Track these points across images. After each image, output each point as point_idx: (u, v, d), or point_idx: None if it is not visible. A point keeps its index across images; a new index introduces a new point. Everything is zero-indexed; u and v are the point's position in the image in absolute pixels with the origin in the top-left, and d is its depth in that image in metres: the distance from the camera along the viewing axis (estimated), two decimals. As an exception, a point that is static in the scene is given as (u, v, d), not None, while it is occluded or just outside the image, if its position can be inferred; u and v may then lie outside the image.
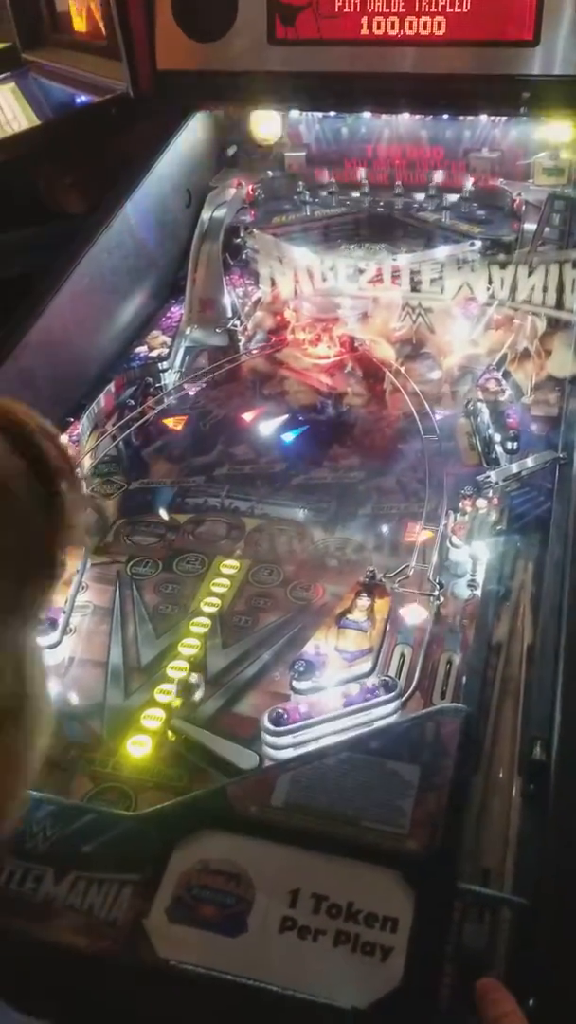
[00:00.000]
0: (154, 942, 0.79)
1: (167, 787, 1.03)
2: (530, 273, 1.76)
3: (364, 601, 1.20)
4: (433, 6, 1.88)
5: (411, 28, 1.90)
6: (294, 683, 1.09)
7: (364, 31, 1.93)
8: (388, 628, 1.18)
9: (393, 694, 1.06)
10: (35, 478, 0.53)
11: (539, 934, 0.79)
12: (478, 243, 1.86)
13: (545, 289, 1.75)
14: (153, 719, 1.11)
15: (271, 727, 1.01)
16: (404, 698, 1.07)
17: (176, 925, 0.80)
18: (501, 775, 1.00)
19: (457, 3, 1.86)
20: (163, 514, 1.49)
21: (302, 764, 0.91)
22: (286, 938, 0.78)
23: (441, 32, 1.89)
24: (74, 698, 1.17)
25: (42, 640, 1.19)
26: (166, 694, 1.14)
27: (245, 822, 0.86)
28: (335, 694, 1.07)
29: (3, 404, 0.56)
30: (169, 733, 1.09)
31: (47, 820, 0.88)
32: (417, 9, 1.88)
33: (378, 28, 1.92)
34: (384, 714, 1.04)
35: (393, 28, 1.91)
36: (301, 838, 0.85)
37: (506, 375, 1.69)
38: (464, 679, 1.11)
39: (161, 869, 0.83)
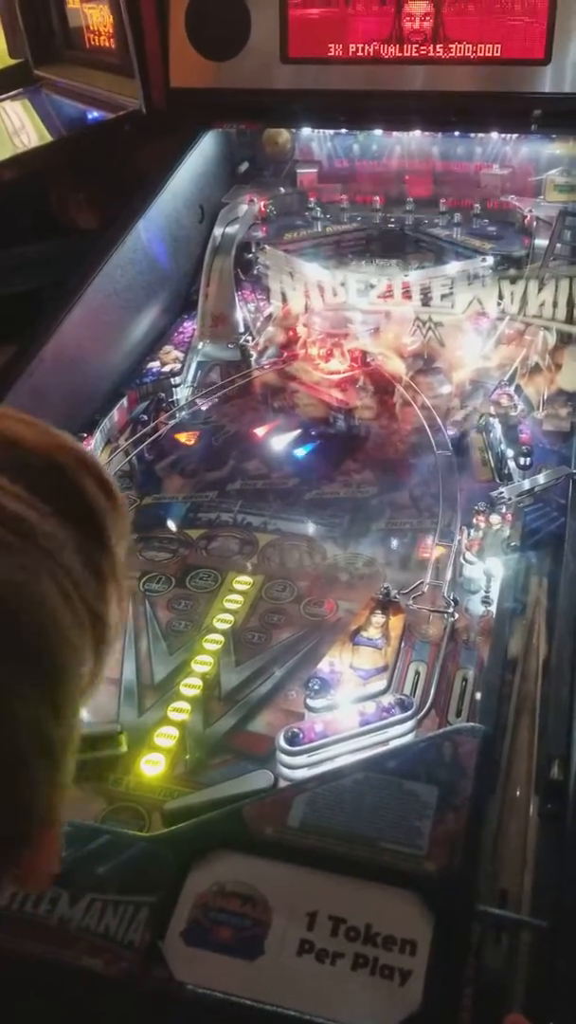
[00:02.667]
0: (171, 965, 0.78)
1: (182, 806, 1.02)
2: (541, 288, 1.76)
3: (379, 618, 1.20)
4: (445, 26, 1.89)
5: (424, 47, 1.91)
6: (309, 701, 1.09)
7: (376, 50, 1.94)
8: (403, 645, 1.18)
9: (409, 712, 1.05)
10: (84, 542, 0.48)
11: (559, 957, 0.79)
12: (490, 259, 1.86)
13: (556, 304, 1.76)
14: (167, 737, 1.11)
15: (287, 747, 1.01)
16: (420, 716, 1.07)
17: (192, 948, 0.79)
18: (518, 793, 0.99)
19: (469, 23, 1.87)
20: (171, 526, 1.49)
21: (318, 785, 0.91)
22: (304, 961, 0.78)
23: (453, 51, 1.90)
24: (87, 716, 1.16)
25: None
26: (180, 712, 1.14)
27: (261, 843, 0.86)
28: (350, 712, 1.06)
29: (29, 436, 0.49)
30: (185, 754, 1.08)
31: (62, 841, 0.87)
32: (430, 29, 1.90)
33: (390, 48, 1.93)
34: (400, 733, 1.04)
35: (405, 48, 1.93)
36: (318, 860, 0.84)
37: (518, 390, 1.69)
38: (480, 697, 1.10)
39: (177, 891, 0.83)
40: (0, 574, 0.43)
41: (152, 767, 1.07)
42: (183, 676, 1.20)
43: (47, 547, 0.45)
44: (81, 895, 0.83)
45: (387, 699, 1.07)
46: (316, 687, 1.10)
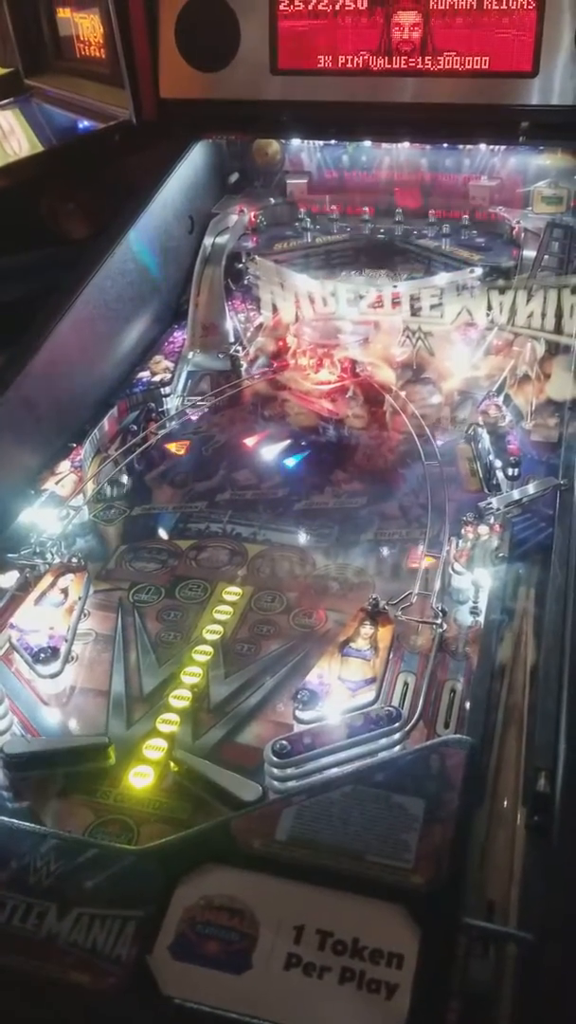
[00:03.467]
0: (158, 980, 0.78)
1: (170, 819, 1.02)
2: (529, 299, 1.77)
3: (367, 629, 1.20)
4: (434, 38, 1.90)
5: (412, 59, 1.93)
6: (298, 713, 1.09)
7: (365, 62, 1.96)
8: (392, 656, 1.18)
9: (397, 724, 1.05)
10: None
11: (545, 970, 0.79)
12: (478, 270, 1.87)
13: (544, 314, 1.77)
14: (155, 749, 1.11)
15: (275, 759, 1.01)
16: (408, 728, 1.07)
17: (180, 962, 0.79)
18: (505, 805, 1.00)
19: (458, 35, 1.89)
20: (162, 534, 1.49)
21: (306, 798, 0.91)
22: (291, 975, 0.78)
23: (441, 63, 1.91)
24: (76, 728, 1.16)
25: (44, 669, 1.19)
26: (169, 724, 1.14)
27: (249, 857, 0.86)
28: (339, 724, 1.06)
29: None
30: (172, 764, 1.08)
31: (51, 854, 0.87)
32: (418, 41, 1.91)
33: (379, 59, 1.95)
34: (388, 744, 1.04)
35: (394, 60, 1.94)
36: (305, 873, 0.84)
37: (506, 400, 1.70)
38: (468, 709, 1.10)
39: (164, 905, 0.83)
40: None
41: (140, 779, 1.07)
42: (172, 688, 1.20)
43: None
44: (69, 909, 0.83)
45: (375, 710, 1.07)
46: (305, 699, 1.10)
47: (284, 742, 1.02)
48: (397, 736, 1.05)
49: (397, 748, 1.04)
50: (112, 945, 0.81)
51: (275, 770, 1.01)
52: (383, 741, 1.05)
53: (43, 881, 0.85)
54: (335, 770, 1.01)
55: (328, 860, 0.85)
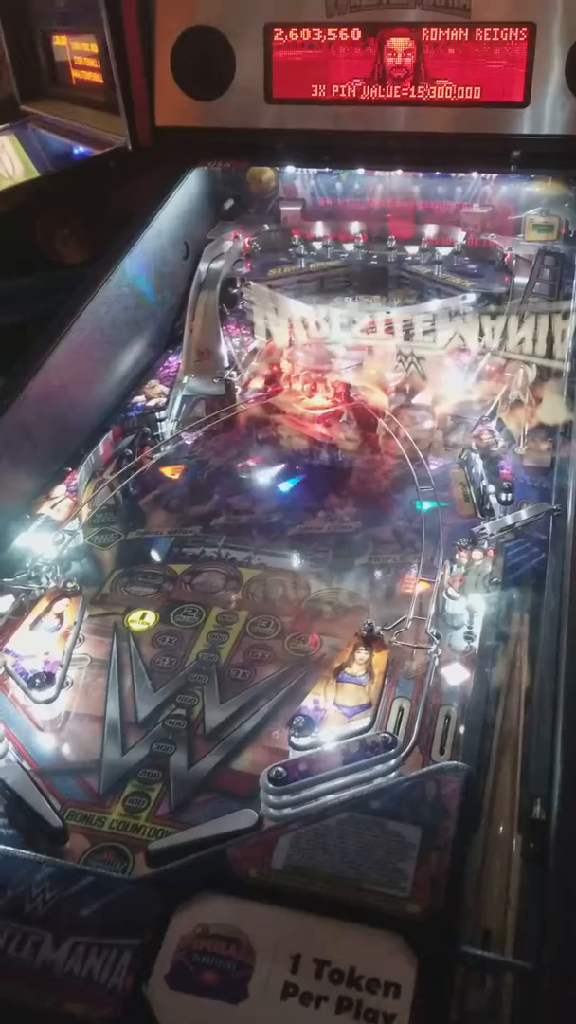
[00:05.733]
0: (154, 1010, 0.78)
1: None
2: (521, 324, 1.79)
3: (362, 655, 1.20)
4: (427, 69, 1.94)
5: (405, 89, 1.96)
6: (293, 739, 1.09)
7: (358, 91, 1.99)
8: (387, 681, 1.18)
9: (393, 751, 1.05)
10: None
11: (542, 999, 0.79)
12: (471, 296, 1.89)
13: (535, 340, 1.79)
14: (150, 775, 1.10)
15: (271, 786, 1.01)
16: (404, 754, 1.07)
17: (176, 992, 0.79)
18: (501, 831, 1.00)
19: (450, 66, 1.92)
20: (155, 556, 1.50)
21: (302, 825, 0.91)
22: (289, 1005, 0.78)
23: (434, 93, 1.94)
24: (71, 754, 1.16)
25: (40, 695, 1.19)
26: (164, 750, 1.14)
27: (245, 885, 0.86)
28: (335, 750, 1.06)
29: None
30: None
31: (46, 883, 0.87)
32: (411, 70, 1.94)
33: (372, 89, 1.98)
34: (384, 771, 1.04)
35: (387, 89, 1.97)
36: (302, 901, 0.84)
37: (499, 424, 1.71)
38: (464, 735, 1.11)
39: (161, 934, 0.83)
40: None
41: (135, 806, 1.07)
42: (167, 713, 1.20)
43: None
44: (64, 938, 0.83)
45: (371, 737, 1.07)
46: (300, 724, 1.10)
47: (280, 769, 1.02)
48: (393, 763, 1.05)
49: (393, 775, 1.04)
50: (108, 974, 0.80)
51: (271, 797, 1.01)
52: (379, 768, 1.05)
53: (38, 910, 0.85)
54: (331, 797, 1.01)
55: (324, 888, 0.85)
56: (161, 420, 1.80)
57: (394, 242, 2.14)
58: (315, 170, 2.22)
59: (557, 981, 0.79)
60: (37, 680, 1.20)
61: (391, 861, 0.86)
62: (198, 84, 2.09)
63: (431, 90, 1.96)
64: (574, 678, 1.05)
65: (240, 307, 2.03)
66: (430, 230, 2.16)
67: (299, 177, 2.25)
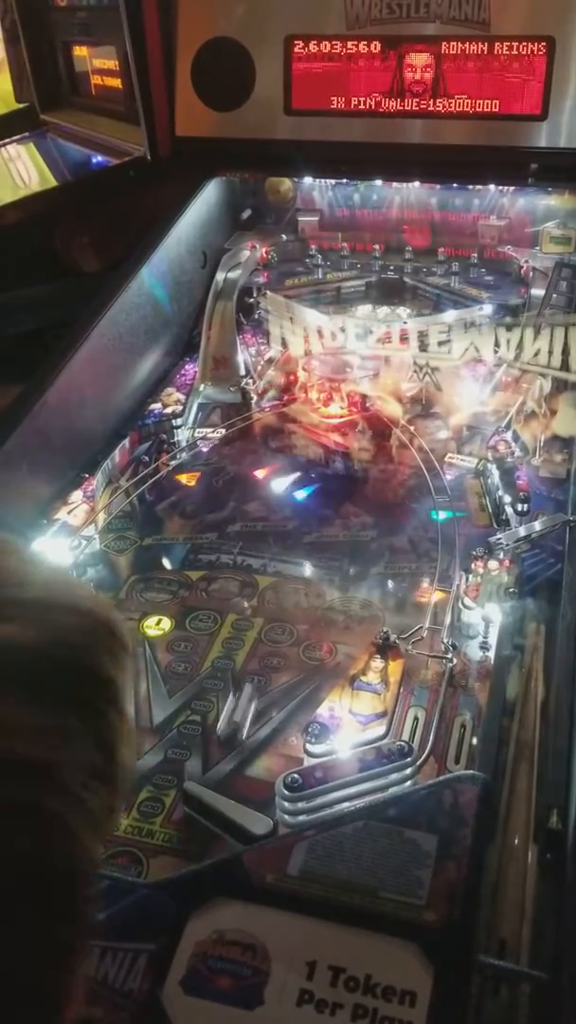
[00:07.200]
0: (170, 1014, 0.78)
1: (180, 852, 1.02)
2: (536, 336, 1.79)
3: (378, 663, 1.20)
4: (445, 82, 1.95)
5: (424, 102, 1.97)
6: (308, 747, 1.09)
7: (377, 104, 2.00)
8: (402, 690, 1.18)
9: (408, 759, 1.05)
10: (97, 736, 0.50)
11: (559, 1010, 0.79)
12: (488, 307, 1.90)
13: (551, 352, 1.79)
14: (165, 781, 1.11)
15: (287, 792, 1.01)
16: (419, 763, 1.07)
17: (192, 997, 0.79)
18: (516, 841, 0.99)
19: (468, 79, 1.93)
20: (166, 563, 1.50)
21: (318, 832, 0.91)
22: (304, 1012, 0.77)
23: (452, 106, 1.95)
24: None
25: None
26: (179, 755, 1.14)
27: (261, 891, 0.86)
28: (350, 758, 1.06)
29: (18, 634, 0.49)
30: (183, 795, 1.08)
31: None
32: (430, 84, 1.96)
33: (391, 102, 1.99)
34: (399, 779, 1.04)
35: (406, 101, 1.98)
36: (318, 908, 0.84)
37: (515, 436, 1.71)
38: (480, 744, 1.10)
39: (176, 939, 0.83)
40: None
41: (150, 811, 1.07)
42: (182, 719, 1.20)
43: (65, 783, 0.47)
44: (80, 942, 0.83)
45: (387, 745, 1.07)
46: (316, 732, 1.10)
47: (296, 775, 1.02)
48: (408, 771, 1.05)
49: (408, 783, 1.04)
50: (123, 979, 0.80)
51: (286, 803, 1.01)
52: (394, 776, 1.05)
53: (54, 913, 0.85)
54: (346, 804, 1.00)
55: (340, 895, 0.85)
56: (177, 427, 1.81)
57: (411, 253, 2.15)
58: (333, 181, 2.23)
59: (573, 991, 0.79)
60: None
61: (408, 869, 0.86)
62: (218, 95, 2.11)
63: (449, 103, 1.97)
64: (590, 689, 1.05)
65: (256, 316, 2.04)
66: (447, 242, 2.16)
67: (317, 188, 2.26)
